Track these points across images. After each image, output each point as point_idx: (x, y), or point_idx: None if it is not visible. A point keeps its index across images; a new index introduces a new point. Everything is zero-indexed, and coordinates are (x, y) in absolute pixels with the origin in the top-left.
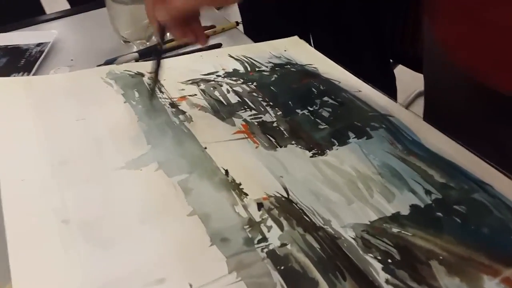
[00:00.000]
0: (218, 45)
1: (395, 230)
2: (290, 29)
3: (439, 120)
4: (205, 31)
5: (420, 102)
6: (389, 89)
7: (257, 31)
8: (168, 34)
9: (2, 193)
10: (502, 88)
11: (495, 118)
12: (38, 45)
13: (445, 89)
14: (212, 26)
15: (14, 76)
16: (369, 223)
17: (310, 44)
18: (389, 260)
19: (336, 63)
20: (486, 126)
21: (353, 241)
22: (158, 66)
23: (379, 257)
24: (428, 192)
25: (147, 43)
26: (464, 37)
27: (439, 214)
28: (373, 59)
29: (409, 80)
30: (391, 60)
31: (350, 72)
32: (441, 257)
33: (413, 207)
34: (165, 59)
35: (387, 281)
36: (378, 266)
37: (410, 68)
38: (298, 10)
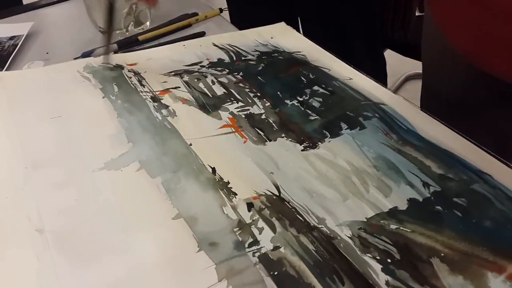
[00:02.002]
0: (202, 34)
1: (393, 226)
2: (278, 18)
3: (437, 108)
4: (188, 19)
5: (408, 87)
6: (380, 75)
7: (244, 21)
8: None
9: None
10: (504, 75)
11: (495, 106)
12: (11, 38)
13: (445, 76)
14: (195, 14)
15: None
16: (365, 220)
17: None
18: (389, 260)
19: (326, 50)
20: (485, 114)
21: (350, 240)
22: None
23: (378, 257)
24: (426, 185)
25: (126, 33)
26: (466, 23)
27: (439, 207)
28: (364, 46)
29: (396, 63)
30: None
31: (340, 59)
32: (442, 254)
33: (411, 201)
34: (145, 50)
35: (387, 283)
36: (378, 267)
37: (399, 53)
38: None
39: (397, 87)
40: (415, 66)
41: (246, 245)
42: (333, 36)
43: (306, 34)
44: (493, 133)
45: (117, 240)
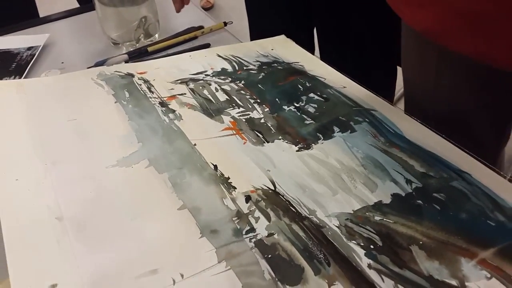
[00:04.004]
0: (207, 45)
1: (377, 218)
2: (293, 35)
3: (417, 115)
4: (194, 32)
5: None
6: (390, 88)
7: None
8: None
9: None
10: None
11: (477, 118)
12: (29, 48)
13: (422, 81)
14: (200, 27)
15: (6, 79)
16: (352, 212)
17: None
18: (372, 246)
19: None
20: (466, 126)
21: (337, 229)
22: None
23: (362, 244)
24: (408, 182)
25: (136, 45)
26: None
27: (419, 201)
28: (381, 62)
29: (398, 75)
30: None
31: (335, 69)
32: (421, 242)
33: (395, 196)
34: (154, 60)
35: (369, 266)
36: (361, 252)
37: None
38: (305, 26)
39: (398, 97)
40: None
41: (244, 232)
42: (351, 53)
43: (324, 57)
44: (471, 140)
45: (128, 227)
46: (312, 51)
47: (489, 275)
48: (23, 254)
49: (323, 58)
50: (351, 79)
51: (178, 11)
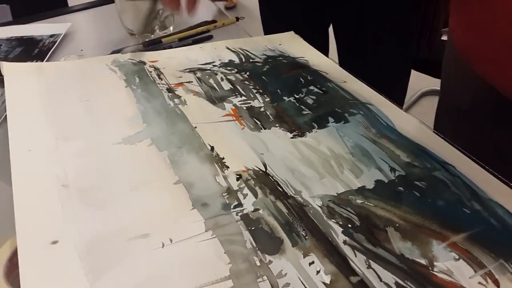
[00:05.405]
0: (210, 37)
1: (359, 201)
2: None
3: (449, 115)
4: (206, 26)
5: (423, 103)
6: (401, 92)
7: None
8: None
9: (12, 161)
10: None
11: (497, 122)
12: (51, 36)
13: (457, 86)
14: (214, 21)
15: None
16: (336, 194)
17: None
18: (349, 225)
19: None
20: (488, 127)
21: (319, 208)
22: None
23: (341, 222)
24: (393, 170)
25: (151, 36)
26: (483, 47)
27: (401, 188)
28: (397, 66)
29: (413, 80)
30: None
31: (340, 66)
32: (397, 225)
33: (378, 182)
34: (166, 50)
35: (344, 242)
36: (339, 229)
37: (416, 70)
38: (319, 27)
39: (412, 101)
40: (431, 83)
41: (232, 207)
42: (369, 61)
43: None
44: (493, 147)
45: (126, 196)
46: (326, 52)
47: (457, 257)
48: (30, 214)
49: (341, 61)
50: (352, 75)
51: (190, 10)
